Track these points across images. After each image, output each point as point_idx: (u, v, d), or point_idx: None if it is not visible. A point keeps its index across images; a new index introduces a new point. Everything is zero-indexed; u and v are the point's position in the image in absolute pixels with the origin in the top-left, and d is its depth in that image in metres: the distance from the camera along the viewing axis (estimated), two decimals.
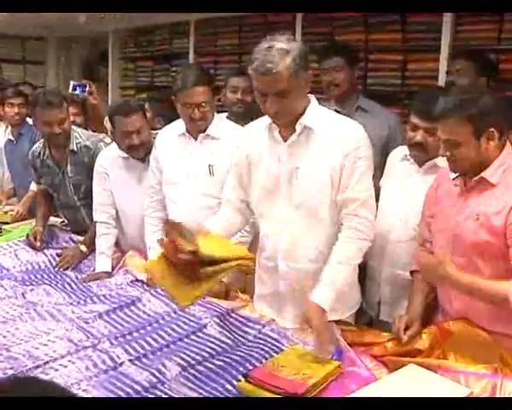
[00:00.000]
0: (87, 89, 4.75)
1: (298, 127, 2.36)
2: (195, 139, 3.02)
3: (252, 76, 2.30)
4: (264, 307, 2.65)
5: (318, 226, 2.42)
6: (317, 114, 2.41)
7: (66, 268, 3.35)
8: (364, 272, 2.78)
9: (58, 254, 3.50)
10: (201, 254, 2.11)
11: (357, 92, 3.71)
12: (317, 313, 2.25)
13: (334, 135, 2.37)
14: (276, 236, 2.49)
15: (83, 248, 3.46)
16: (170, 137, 3.10)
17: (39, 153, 3.70)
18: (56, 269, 3.36)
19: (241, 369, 2.22)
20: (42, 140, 3.70)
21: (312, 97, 2.44)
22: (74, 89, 4.77)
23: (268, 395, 2.00)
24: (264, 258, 2.57)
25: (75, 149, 3.55)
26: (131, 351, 2.35)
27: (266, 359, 2.29)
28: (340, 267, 2.34)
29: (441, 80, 3.95)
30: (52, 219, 3.94)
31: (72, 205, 3.69)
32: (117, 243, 3.45)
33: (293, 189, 2.41)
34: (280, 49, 2.22)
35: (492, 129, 2.14)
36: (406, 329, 2.32)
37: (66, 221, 3.96)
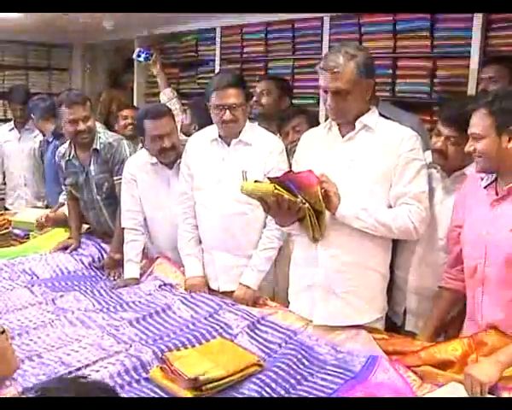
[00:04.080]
0: (152, 58, 4.80)
1: (358, 125, 2.53)
2: (228, 145, 3.00)
3: (318, 74, 2.49)
4: (298, 304, 2.71)
5: None
6: (377, 118, 2.56)
7: (119, 275, 3.40)
8: (391, 282, 2.75)
9: (101, 267, 3.55)
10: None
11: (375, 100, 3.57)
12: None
13: (390, 136, 2.50)
14: None
15: (113, 255, 3.49)
16: (202, 143, 3.09)
17: (64, 153, 3.75)
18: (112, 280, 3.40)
19: (272, 376, 2.20)
20: (68, 141, 3.75)
21: (374, 107, 2.59)
22: (138, 55, 4.86)
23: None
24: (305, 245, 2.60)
25: (98, 147, 3.59)
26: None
27: (298, 367, 2.28)
28: (373, 212, 2.44)
29: (471, 87, 3.90)
30: None
31: (96, 205, 3.72)
32: (144, 251, 3.44)
33: (344, 180, 2.47)
34: (346, 53, 2.40)
35: None
36: None
37: (89, 224, 3.97)
